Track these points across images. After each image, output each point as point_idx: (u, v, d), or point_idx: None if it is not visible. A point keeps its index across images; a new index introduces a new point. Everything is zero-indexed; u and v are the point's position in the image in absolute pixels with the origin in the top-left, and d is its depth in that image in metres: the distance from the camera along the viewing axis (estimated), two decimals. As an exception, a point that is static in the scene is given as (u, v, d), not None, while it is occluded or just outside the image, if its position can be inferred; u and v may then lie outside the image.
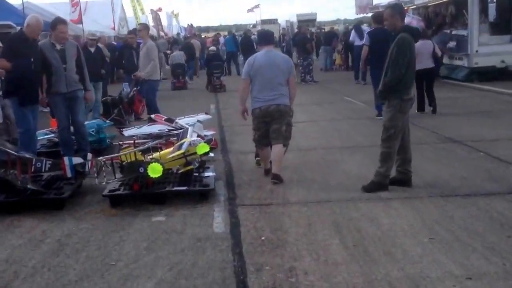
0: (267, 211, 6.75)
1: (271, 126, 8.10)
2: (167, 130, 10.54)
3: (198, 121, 10.58)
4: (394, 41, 6.92)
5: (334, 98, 17.72)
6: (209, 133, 10.56)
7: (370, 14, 30.76)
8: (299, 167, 8.94)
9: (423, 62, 12.69)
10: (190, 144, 7.81)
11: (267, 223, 6.33)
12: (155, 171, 7.05)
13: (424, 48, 13.02)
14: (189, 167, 7.62)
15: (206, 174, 7.91)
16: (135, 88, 13.06)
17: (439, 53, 14.24)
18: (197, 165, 7.93)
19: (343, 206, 6.81)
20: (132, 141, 9.84)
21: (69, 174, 7.56)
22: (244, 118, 8.64)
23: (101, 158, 7.91)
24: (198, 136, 9.89)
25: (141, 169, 7.15)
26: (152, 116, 11.19)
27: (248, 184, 8.03)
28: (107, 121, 11.60)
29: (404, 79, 6.99)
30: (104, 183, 7.37)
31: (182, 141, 7.97)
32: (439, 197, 7.00)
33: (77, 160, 7.66)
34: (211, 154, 8.34)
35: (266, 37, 8.49)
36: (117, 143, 9.97)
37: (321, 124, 13.10)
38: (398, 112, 7.10)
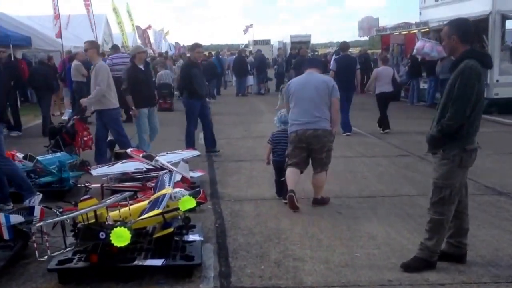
0: (275, 300, 4.83)
1: (310, 155, 7.80)
2: (145, 169, 8.68)
3: (183, 159, 8.70)
4: (457, 70, 5.05)
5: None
6: (196, 174, 8.68)
7: (375, 35, 29.22)
8: (311, 225, 7.03)
9: (384, 86, 14.55)
10: (171, 198, 5.90)
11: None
12: (120, 238, 5.10)
13: (385, 73, 14.69)
14: (167, 231, 5.67)
15: (191, 237, 5.96)
16: (75, 117, 10.66)
17: (398, 78, 15.98)
18: (178, 225, 6.02)
19: (379, 293, 4.93)
20: (99, 185, 7.94)
21: (6, 236, 5.60)
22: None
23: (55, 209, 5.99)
24: (183, 179, 8.09)
25: (102, 235, 5.21)
26: (128, 151, 9.26)
27: (246, 251, 6.10)
28: (72, 154, 9.59)
29: (470, 121, 5.14)
30: (50, 254, 5.29)
31: (161, 192, 6.05)
32: (509, 284, 5.11)
33: (16, 218, 5.70)
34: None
35: (312, 61, 8.85)
36: (82, 185, 8.00)
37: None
38: (457, 167, 5.22)
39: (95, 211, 5.45)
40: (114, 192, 8.16)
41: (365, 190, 8.87)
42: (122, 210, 5.85)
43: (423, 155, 11.21)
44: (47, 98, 15.56)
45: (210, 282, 5.23)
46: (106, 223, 5.29)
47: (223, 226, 7.02)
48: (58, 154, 9.38)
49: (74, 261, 5.31)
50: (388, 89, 14.53)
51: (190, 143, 11.63)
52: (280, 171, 8.36)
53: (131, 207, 5.95)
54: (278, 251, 6.09)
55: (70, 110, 11.53)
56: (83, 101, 10.55)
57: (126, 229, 5.12)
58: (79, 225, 5.39)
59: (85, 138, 10.55)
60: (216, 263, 5.73)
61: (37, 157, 8.88)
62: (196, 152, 9.67)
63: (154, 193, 6.36)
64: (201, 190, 6.28)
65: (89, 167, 8.86)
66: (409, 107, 21.41)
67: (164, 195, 5.88)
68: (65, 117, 11.00)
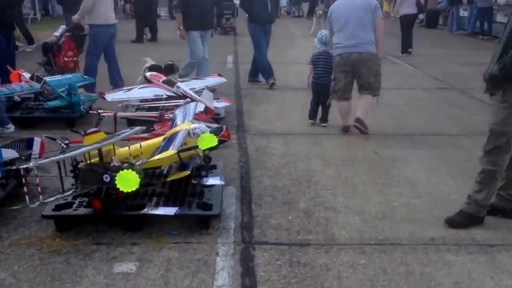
0: (302, 262, 4.12)
1: (357, 80, 7.50)
2: (165, 96, 7.92)
3: (207, 87, 7.89)
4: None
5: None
6: (221, 104, 7.88)
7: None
8: (344, 167, 6.27)
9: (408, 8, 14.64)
10: (189, 134, 5.15)
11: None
12: (127, 182, 4.38)
13: None
14: (183, 173, 4.95)
15: (211, 181, 5.24)
16: (67, 34, 9.77)
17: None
18: (197, 165, 5.31)
19: (420, 255, 4.20)
20: (113, 113, 7.22)
21: (-2, 172, 4.97)
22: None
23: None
24: (206, 109, 7.32)
25: (106, 178, 4.50)
26: (148, 75, 8.47)
27: (272, 197, 5.38)
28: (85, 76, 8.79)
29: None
30: (42, 200, 4.39)
31: (178, 127, 5.30)
32: None
33: (9, 153, 5.02)
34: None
35: None
36: (95, 112, 7.29)
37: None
38: (517, 113, 4.39)
39: (99, 149, 4.74)
40: (130, 123, 7.50)
41: (403, 126, 8.03)
42: (132, 147, 5.13)
43: (465, 89, 10.29)
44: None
45: (229, 235, 4.54)
46: (112, 163, 4.58)
47: (248, 165, 6.29)
48: (69, 76, 8.61)
49: (74, 206, 4.65)
50: (412, 11, 14.70)
51: (267, 73, 10.57)
52: (318, 94, 7.84)
53: (143, 143, 5.22)
54: (308, 198, 5.36)
55: (64, 26, 10.58)
56: (74, 17, 9.69)
57: (134, 171, 4.39)
58: (80, 165, 4.69)
59: (66, 59, 9.67)
60: (237, 211, 5.02)
61: (44, 78, 8.15)
62: (222, 79, 8.80)
63: (171, 127, 5.62)
64: (224, 126, 5.51)
65: (103, 91, 8.11)
66: (448, 35, 20.09)
67: (182, 131, 5.13)
68: (56, 34, 10.07)
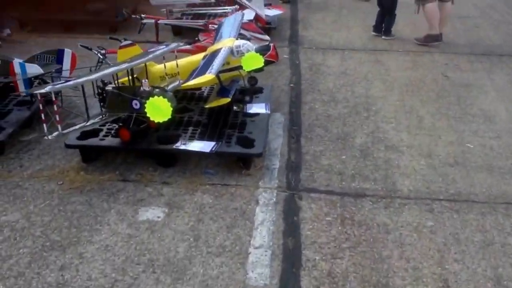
0: (356, 220, 3.53)
1: None
2: (213, 0, 7.17)
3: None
4: None
5: None
6: (273, 12, 7.08)
7: None
8: (409, 93, 5.51)
9: None
10: (232, 52, 4.49)
11: (359, 253, 3.17)
12: (158, 111, 3.77)
13: None
14: (223, 101, 4.34)
15: (255, 108, 4.62)
16: None
17: None
18: (240, 88, 4.70)
19: (501, 219, 3.54)
20: (154, 18, 6.54)
21: (21, 89, 4.45)
22: None
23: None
24: (256, 17, 6.56)
25: (136, 104, 3.92)
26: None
27: (325, 128, 4.74)
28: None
29: None
30: (61, 131, 3.75)
31: (220, 44, 4.63)
32: None
33: (34, 69, 4.46)
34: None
35: None
36: (138, 16, 6.62)
37: None
38: None
39: (130, 70, 4.13)
40: (175, 30, 6.84)
41: (478, 45, 7.06)
42: (168, 65, 4.51)
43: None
44: None
45: (273, 178, 3.95)
46: (142, 88, 3.97)
47: (299, 87, 5.60)
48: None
49: (101, 134, 4.13)
50: None
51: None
52: (391, 4, 7.01)
53: (181, 62, 4.58)
54: (366, 132, 4.69)
55: None
56: None
57: (166, 99, 3.78)
58: (108, 87, 4.11)
59: None
60: (284, 147, 4.41)
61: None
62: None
63: (215, 40, 4.94)
64: (272, 44, 4.80)
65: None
66: None
67: (224, 48, 4.46)
68: None
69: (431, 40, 6.83)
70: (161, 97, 3.77)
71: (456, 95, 5.47)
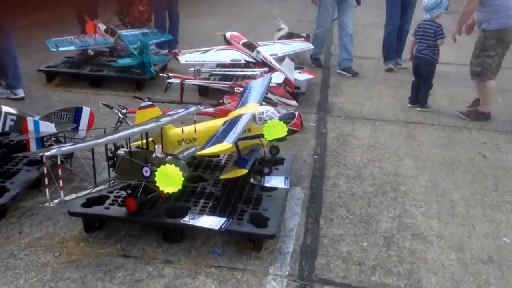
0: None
1: None
2: (243, 61, 7.01)
3: (290, 56, 6.87)
4: None
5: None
6: (303, 76, 6.88)
7: None
8: (443, 174, 5.16)
9: None
10: (254, 119, 4.26)
11: None
12: (169, 180, 3.51)
13: None
14: (239, 172, 4.08)
15: (273, 181, 4.33)
16: None
17: None
18: (259, 157, 4.46)
19: None
20: (181, 77, 6.39)
21: (33, 147, 4.27)
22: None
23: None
24: (285, 81, 6.35)
25: (146, 172, 3.68)
26: (228, 35, 7.54)
27: (347, 209, 4.41)
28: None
29: None
30: (63, 197, 3.48)
31: (243, 109, 4.41)
32: None
33: (48, 127, 4.29)
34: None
35: None
36: (165, 75, 6.48)
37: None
38: None
39: (145, 134, 3.91)
40: (202, 91, 6.67)
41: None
42: (186, 129, 4.29)
43: None
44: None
45: (284, 264, 3.63)
46: (154, 154, 3.73)
47: (324, 159, 5.31)
48: (145, 30, 7.85)
49: (107, 202, 3.89)
50: None
51: (387, 52, 8.50)
52: (418, 74, 6.76)
53: (199, 126, 4.36)
54: (392, 216, 4.34)
55: None
56: None
57: (178, 168, 3.53)
58: (120, 151, 3.88)
59: (141, 8, 8.74)
60: (301, 227, 4.09)
61: (119, 32, 7.41)
62: (309, 45, 7.71)
63: (239, 104, 4.73)
64: (297, 113, 4.55)
65: (177, 51, 7.28)
66: None
67: (246, 114, 4.23)
68: None
69: (482, 118, 6.50)
70: (173, 165, 3.52)
71: (494, 179, 5.10)
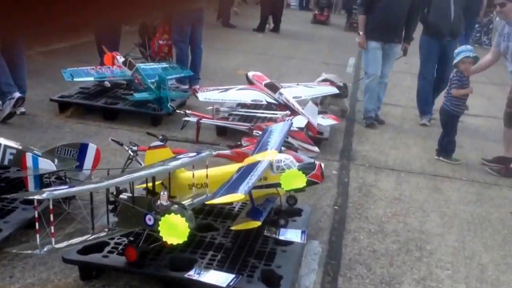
0: None
1: None
2: (265, 102, 6.78)
3: (313, 99, 6.61)
4: None
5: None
6: (327, 121, 6.60)
7: None
8: (472, 233, 4.79)
9: None
10: (271, 167, 3.98)
11: None
12: (173, 231, 3.23)
13: None
14: (252, 224, 3.77)
15: (289, 234, 4.00)
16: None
17: None
18: (275, 208, 4.16)
19: None
20: (198, 116, 6.15)
21: (31, 188, 4.00)
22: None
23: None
24: (308, 126, 6.08)
25: (149, 220, 3.39)
26: (250, 74, 7.32)
27: (367, 268, 4.06)
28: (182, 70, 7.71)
29: None
30: (54, 245, 3.21)
31: (259, 155, 4.13)
32: None
33: (47, 165, 4.02)
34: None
35: None
36: (182, 112, 6.24)
37: None
38: None
39: (152, 178, 3.66)
40: (220, 130, 6.41)
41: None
42: (197, 174, 4.01)
43: None
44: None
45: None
46: (159, 201, 3.45)
47: (344, 211, 4.97)
48: (164, 65, 7.66)
49: (106, 250, 3.59)
50: None
51: (422, 106, 7.90)
52: (446, 125, 6.39)
53: (212, 172, 4.08)
54: (416, 278, 3.98)
55: None
56: None
57: (184, 217, 3.24)
58: (122, 196, 3.60)
59: (160, 42, 8.57)
60: (317, 286, 3.74)
61: (137, 65, 7.22)
62: (334, 89, 7.42)
63: (255, 150, 4.45)
64: (317, 163, 4.24)
65: (197, 88, 7.05)
66: None
67: (262, 162, 3.95)
68: None
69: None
70: (178, 215, 3.24)
71: (528, 241, 4.71)
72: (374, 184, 5.62)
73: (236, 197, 3.50)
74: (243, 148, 5.32)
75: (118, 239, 3.68)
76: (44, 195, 3.07)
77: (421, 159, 6.46)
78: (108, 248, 3.59)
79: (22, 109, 6.41)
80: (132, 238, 3.64)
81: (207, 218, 4.15)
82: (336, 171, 5.83)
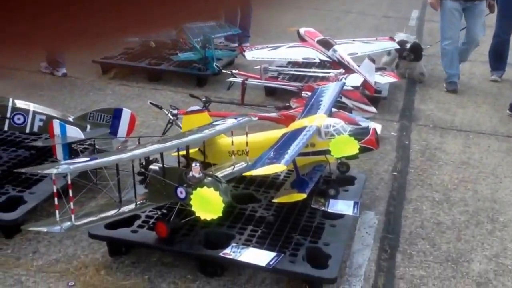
0: None
1: None
2: (317, 60, 6.25)
3: (370, 56, 6.02)
4: None
5: None
6: (385, 79, 6.05)
7: None
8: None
9: None
10: (319, 133, 3.54)
11: None
12: (206, 206, 2.85)
13: None
14: (297, 196, 3.35)
15: (340, 206, 3.57)
16: None
17: None
18: (323, 176, 3.73)
19: None
20: (244, 75, 5.72)
21: (59, 157, 3.69)
22: None
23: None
24: (364, 84, 5.55)
25: (181, 193, 3.02)
26: (302, 30, 6.78)
27: (431, 243, 3.59)
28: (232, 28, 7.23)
29: None
30: (74, 222, 2.85)
31: (306, 120, 3.70)
32: None
33: (75, 132, 3.69)
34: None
35: None
36: (228, 72, 5.82)
37: None
38: None
39: (186, 147, 3.31)
40: (269, 91, 5.97)
41: None
42: (237, 140, 3.61)
43: None
44: None
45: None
46: (191, 173, 3.06)
47: (405, 177, 4.47)
48: (212, 23, 7.21)
49: (136, 223, 3.26)
50: None
51: (497, 61, 7.12)
52: None
53: (253, 138, 3.68)
54: (488, 255, 3.49)
55: None
56: None
57: (218, 191, 2.86)
58: (152, 166, 3.24)
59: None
60: (371, 264, 3.31)
61: (184, 25, 6.80)
62: (394, 44, 6.77)
63: (302, 113, 4.01)
64: (372, 128, 3.76)
65: (245, 46, 6.59)
66: None
67: (309, 127, 3.52)
68: None
69: None
70: (211, 189, 2.85)
71: None
72: (439, 147, 5.07)
73: (277, 168, 3.11)
74: (291, 111, 4.88)
75: (150, 211, 3.35)
76: (60, 170, 2.74)
77: (492, 119, 5.83)
78: (138, 222, 3.26)
79: (64, 71, 6.18)
80: (164, 211, 3.30)
81: (248, 187, 3.76)
82: (395, 132, 5.30)
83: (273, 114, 4.81)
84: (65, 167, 2.77)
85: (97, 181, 3.22)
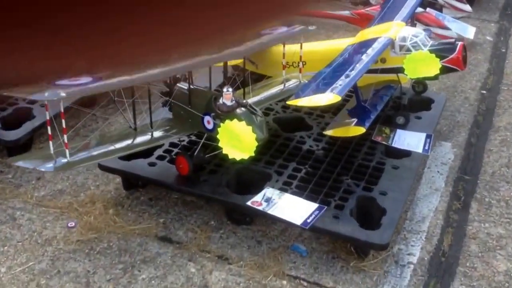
0: None
1: None
2: None
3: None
4: None
5: None
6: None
7: None
8: None
9: None
10: (392, 46, 2.82)
11: None
12: (237, 142, 2.26)
13: None
14: (353, 130, 2.70)
15: (408, 139, 2.89)
16: None
17: None
18: (390, 102, 3.06)
19: None
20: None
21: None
22: None
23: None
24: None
25: (208, 123, 2.45)
26: None
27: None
28: None
29: None
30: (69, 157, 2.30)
31: (377, 28, 2.98)
32: None
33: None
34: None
35: None
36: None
37: None
38: None
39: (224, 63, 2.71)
40: None
41: None
42: (289, 49, 2.93)
43: None
44: None
45: (400, 286, 2.30)
46: (221, 100, 2.45)
47: (495, 97, 3.67)
48: None
49: (156, 154, 2.73)
50: None
51: None
52: None
53: (310, 47, 3.01)
54: None
55: None
56: None
57: (251, 125, 2.25)
58: (178, 86, 2.64)
59: None
60: (438, 216, 2.68)
61: None
62: None
63: (375, 20, 3.26)
64: (459, 43, 2.96)
65: None
66: None
67: (380, 39, 2.81)
68: None
69: None
70: (243, 122, 2.25)
71: None
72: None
73: (328, 100, 2.44)
74: (368, 8, 4.08)
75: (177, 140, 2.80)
76: (46, 94, 2.17)
77: None
78: (159, 152, 2.74)
79: None
80: (189, 140, 2.75)
81: (299, 110, 3.11)
82: (491, 37, 4.40)
83: (346, 12, 4.04)
84: (56, 91, 2.21)
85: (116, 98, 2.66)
